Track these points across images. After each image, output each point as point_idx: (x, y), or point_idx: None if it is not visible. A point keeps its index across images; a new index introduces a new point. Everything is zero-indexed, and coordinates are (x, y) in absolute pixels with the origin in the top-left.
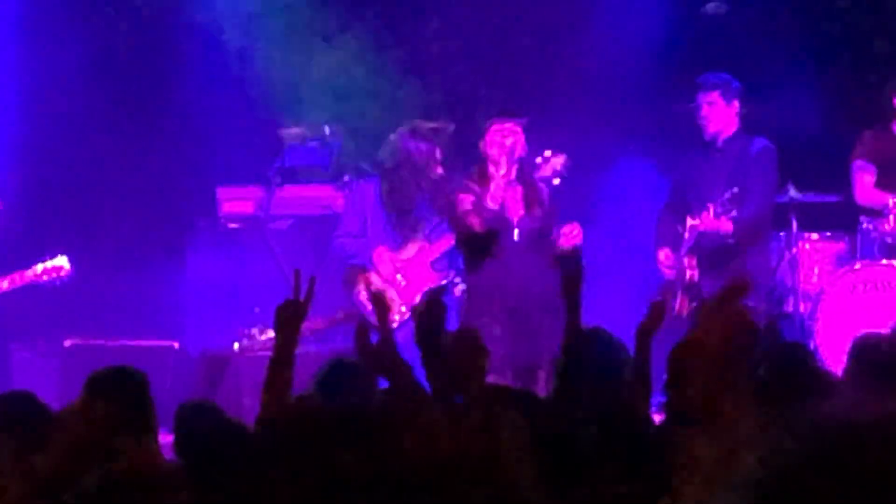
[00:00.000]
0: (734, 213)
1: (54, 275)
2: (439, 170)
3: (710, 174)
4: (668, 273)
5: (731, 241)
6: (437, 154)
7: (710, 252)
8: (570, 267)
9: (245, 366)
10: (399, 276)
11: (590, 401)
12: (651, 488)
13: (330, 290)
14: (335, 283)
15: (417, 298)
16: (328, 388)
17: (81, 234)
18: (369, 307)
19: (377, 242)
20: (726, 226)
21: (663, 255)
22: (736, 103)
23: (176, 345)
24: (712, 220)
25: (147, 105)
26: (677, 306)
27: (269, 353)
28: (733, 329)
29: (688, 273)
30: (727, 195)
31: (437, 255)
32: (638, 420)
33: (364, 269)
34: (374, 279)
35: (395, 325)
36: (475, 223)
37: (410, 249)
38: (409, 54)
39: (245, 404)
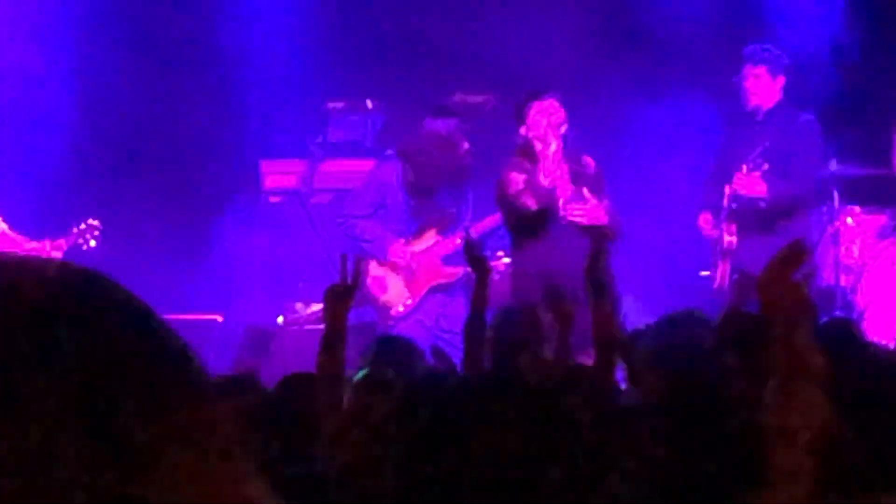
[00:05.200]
0: (766, 166)
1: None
2: (465, 144)
3: (749, 146)
4: (710, 233)
5: (762, 204)
6: (463, 128)
7: (750, 221)
8: (594, 244)
9: (289, 339)
10: (409, 267)
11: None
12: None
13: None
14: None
15: (423, 292)
16: (379, 365)
17: (126, 208)
18: (376, 294)
19: (392, 227)
20: (760, 187)
21: (703, 218)
22: (781, 78)
23: (220, 318)
24: (746, 179)
25: (190, 79)
26: (718, 278)
27: (314, 327)
28: (792, 307)
29: (726, 239)
30: (758, 149)
31: (451, 251)
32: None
33: (364, 259)
34: (373, 267)
35: (399, 314)
36: (530, 202)
37: (425, 241)
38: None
39: None
